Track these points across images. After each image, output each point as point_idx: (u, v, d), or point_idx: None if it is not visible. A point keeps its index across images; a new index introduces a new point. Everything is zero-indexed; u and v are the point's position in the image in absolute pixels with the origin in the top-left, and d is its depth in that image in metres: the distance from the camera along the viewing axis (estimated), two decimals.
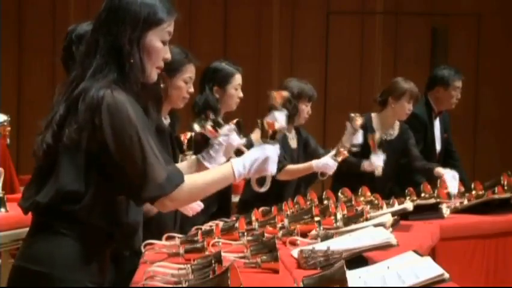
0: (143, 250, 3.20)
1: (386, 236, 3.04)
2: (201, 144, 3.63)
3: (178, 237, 3.34)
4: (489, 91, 8.83)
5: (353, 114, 5.33)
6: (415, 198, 5.15)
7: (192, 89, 4.04)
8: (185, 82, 3.96)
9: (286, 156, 5.28)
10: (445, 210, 5.04)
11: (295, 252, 3.14)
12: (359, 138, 5.34)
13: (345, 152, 5.22)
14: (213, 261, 2.59)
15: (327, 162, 5.17)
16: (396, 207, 4.56)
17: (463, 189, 5.63)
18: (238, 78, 4.68)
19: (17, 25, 8.74)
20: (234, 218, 3.87)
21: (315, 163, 5.20)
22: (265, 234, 3.37)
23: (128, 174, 2.39)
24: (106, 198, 2.44)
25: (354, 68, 8.79)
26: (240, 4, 8.81)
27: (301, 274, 2.60)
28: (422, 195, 5.27)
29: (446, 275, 2.39)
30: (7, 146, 5.53)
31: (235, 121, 2.96)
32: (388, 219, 3.64)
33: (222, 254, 2.64)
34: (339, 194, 4.87)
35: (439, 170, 5.67)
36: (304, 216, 3.74)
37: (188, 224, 3.96)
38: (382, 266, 2.58)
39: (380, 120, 5.90)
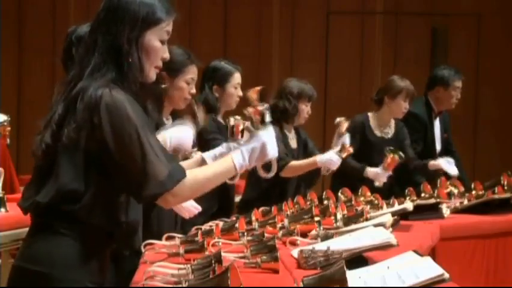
0: (143, 250, 3.20)
1: (386, 236, 3.04)
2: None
3: (178, 237, 3.34)
4: (489, 91, 8.83)
5: (338, 119, 5.30)
6: (415, 198, 5.15)
7: (193, 90, 4.05)
8: (187, 83, 3.97)
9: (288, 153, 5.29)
10: (445, 210, 5.05)
11: (295, 252, 3.14)
12: (346, 141, 5.33)
13: (350, 149, 5.22)
14: (213, 261, 2.59)
15: (331, 158, 5.16)
16: (396, 207, 4.56)
17: (462, 189, 5.63)
18: (237, 77, 4.69)
19: (17, 25, 8.74)
20: (234, 218, 3.87)
21: (319, 158, 5.19)
22: (265, 234, 3.36)
23: (128, 172, 2.39)
24: (106, 198, 2.43)
25: (354, 68, 8.80)
26: (240, 4, 8.82)
27: (301, 274, 2.60)
28: (422, 195, 5.27)
29: (446, 275, 2.39)
30: (7, 146, 5.53)
31: (259, 88, 2.94)
32: (388, 219, 3.65)
33: (222, 254, 2.64)
34: (339, 194, 4.87)
35: (432, 162, 5.70)
36: (304, 216, 3.74)
37: (188, 224, 3.97)
38: (382, 266, 2.58)
39: (377, 119, 5.90)
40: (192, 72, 3.99)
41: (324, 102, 8.43)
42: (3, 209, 4.55)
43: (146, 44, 2.48)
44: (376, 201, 4.70)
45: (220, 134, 4.51)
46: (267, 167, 2.87)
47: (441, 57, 8.68)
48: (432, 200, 5.07)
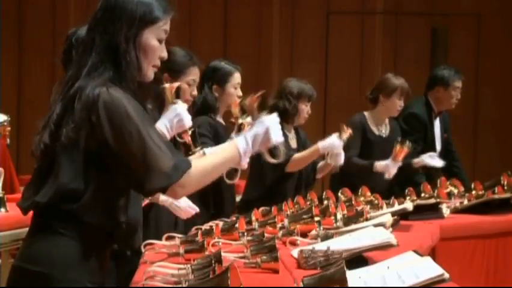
0: (143, 250, 3.20)
1: (386, 236, 3.04)
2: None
3: (178, 237, 3.34)
4: (489, 91, 8.83)
5: (346, 127, 5.31)
6: (415, 198, 5.15)
7: (195, 92, 4.06)
8: (188, 84, 3.98)
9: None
10: (445, 210, 5.05)
11: (295, 252, 3.14)
12: (340, 160, 5.31)
13: (350, 130, 5.22)
14: (213, 261, 2.59)
15: (333, 142, 5.15)
16: (396, 207, 4.56)
17: (462, 189, 5.64)
18: (237, 77, 4.69)
19: (17, 25, 8.74)
20: (234, 218, 3.87)
21: (321, 144, 5.18)
22: (265, 234, 3.36)
23: (133, 168, 2.38)
24: (106, 197, 2.43)
25: (354, 68, 8.79)
26: (240, 4, 8.81)
27: (301, 274, 2.59)
28: (422, 195, 5.27)
29: (446, 275, 2.39)
30: (7, 146, 5.53)
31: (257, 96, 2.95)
32: (388, 219, 3.65)
33: (222, 254, 2.64)
34: (339, 194, 4.87)
35: (416, 160, 5.71)
36: (304, 216, 3.74)
37: (190, 224, 3.97)
38: (382, 266, 2.59)
39: (373, 118, 5.89)
40: (193, 74, 4.00)
41: (324, 102, 8.43)
42: (3, 209, 4.55)
43: (143, 43, 2.48)
44: (376, 201, 4.70)
45: (216, 134, 4.52)
46: (273, 153, 2.88)
47: (441, 57, 8.68)
48: (432, 200, 5.07)
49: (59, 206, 2.40)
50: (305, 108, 5.36)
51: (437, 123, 6.38)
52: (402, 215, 4.35)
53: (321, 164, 5.47)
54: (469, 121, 8.73)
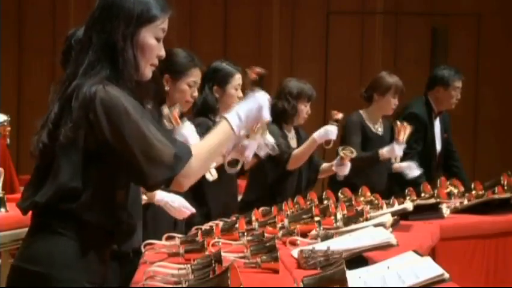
0: (143, 250, 3.20)
1: (386, 236, 3.04)
2: None
3: (178, 237, 3.34)
4: (489, 91, 8.83)
5: (344, 151, 5.31)
6: (415, 198, 5.15)
7: (195, 93, 4.06)
8: (189, 86, 3.98)
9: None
10: (445, 210, 5.05)
11: (295, 252, 3.14)
12: (345, 170, 5.33)
13: (339, 115, 5.25)
14: (213, 261, 2.59)
15: (327, 128, 5.19)
16: (396, 207, 4.56)
17: (462, 189, 5.64)
18: (238, 78, 4.68)
19: (17, 25, 8.74)
20: (234, 218, 3.87)
21: (316, 135, 5.21)
22: (265, 234, 3.36)
23: (134, 164, 2.37)
24: (105, 196, 2.43)
25: (354, 68, 8.79)
26: (240, 4, 8.82)
27: (301, 274, 2.60)
28: (422, 195, 5.27)
29: (446, 275, 2.39)
30: (7, 146, 5.53)
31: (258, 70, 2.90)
32: (388, 219, 3.65)
33: (222, 254, 2.64)
34: (339, 194, 4.87)
35: (396, 165, 5.71)
36: (304, 216, 3.74)
37: (190, 225, 3.98)
38: (382, 266, 2.58)
39: (368, 116, 5.89)
40: (194, 75, 4.00)
41: (324, 102, 8.42)
42: (3, 209, 4.55)
43: (141, 41, 2.47)
44: (376, 201, 4.70)
45: None
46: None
47: (441, 57, 8.68)
48: (432, 200, 5.07)
49: (58, 206, 2.39)
50: (304, 109, 5.36)
51: (437, 123, 6.38)
52: (402, 215, 4.35)
53: (324, 166, 5.48)
54: (469, 121, 8.73)
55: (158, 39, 2.51)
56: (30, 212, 2.49)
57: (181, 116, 3.64)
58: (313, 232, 3.57)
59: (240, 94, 4.68)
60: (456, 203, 5.34)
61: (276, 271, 2.87)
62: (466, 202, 5.38)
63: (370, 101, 5.87)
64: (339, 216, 3.83)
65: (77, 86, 2.40)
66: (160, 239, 3.33)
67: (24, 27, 8.76)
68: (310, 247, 3.06)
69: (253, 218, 3.75)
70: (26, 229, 2.53)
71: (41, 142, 2.43)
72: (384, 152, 5.59)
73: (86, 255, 2.43)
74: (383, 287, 2.41)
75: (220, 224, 3.71)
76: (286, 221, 3.66)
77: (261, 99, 2.59)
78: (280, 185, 5.24)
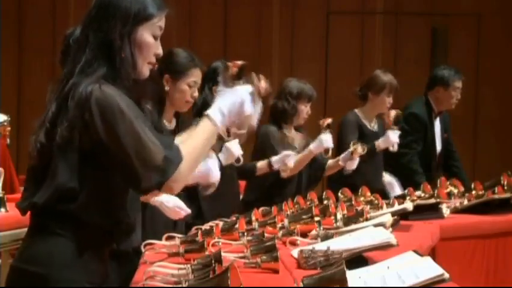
0: (143, 250, 3.20)
1: (386, 236, 3.04)
2: None
3: (178, 237, 3.34)
4: (489, 91, 8.83)
5: (355, 147, 5.34)
6: (415, 198, 5.15)
7: (196, 93, 4.06)
8: (189, 86, 3.98)
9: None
10: (445, 210, 5.05)
11: (295, 252, 3.14)
12: (353, 165, 5.36)
13: (328, 119, 5.27)
14: (213, 261, 2.59)
15: (321, 138, 5.21)
16: (396, 207, 4.56)
17: (462, 189, 5.64)
18: None
19: (17, 25, 8.74)
20: (234, 218, 3.87)
21: (312, 146, 5.23)
22: (265, 234, 3.37)
23: (128, 165, 2.36)
24: (103, 196, 2.42)
25: (354, 68, 8.79)
26: (240, 4, 8.81)
27: (301, 274, 2.60)
28: (422, 195, 5.27)
29: (446, 275, 2.39)
30: (7, 146, 5.53)
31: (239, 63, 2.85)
32: (388, 219, 3.65)
33: (222, 254, 2.64)
34: (339, 194, 4.87)
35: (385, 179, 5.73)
36: (304, 216, 3.74)
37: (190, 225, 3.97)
38: (382, 266, 2.58)
39: (364, 114, 5.88)
40: (194, 76, 4.00)
41: (324, 102, 8.43)
42: (3, 209, 4.55)
43: (138, 39, 2.47)
44: (376, 201, 4.70)
45: None
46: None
47: (441, 57, 8.68)
48: (432, 200, 5.07)
49: (56, 207, 2.39)
50: (305, 109, 5.36)
51: (437, 123, 6.38)
52: (402, 215, 4.35)
53: (330, 162, 5.48)
54: (469, 121, 8.73)
55: (155, 37, 2.51)
56: (29, 212, 2.49)
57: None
58: (313, 232, 3.57)
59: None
60: (456, 203, 5.34)
61: (276, 271, 2.87)
62: (466, 202, 5.38)
63: (365, 99, 5.86)
64: (339, 216, 3.83)
65: (74, 84, 2.40)
66: (159, 239, 3.33)
67: (24, 27, 8.75)
68: (310, 247, 3.06)
69: (253, 218, 3.75)
70: (26, 229, 2.53)
71: (38, 142, 2.42)
72: (380, 143, 5.60)
73: (85, 255, 2.43)
74: (383, 287, 2.41)
75: (220, 224, 3.71)
76: (286, 221, 3.66)
77: (243, 92, 2.55)
78: (280, 186, 5.24)
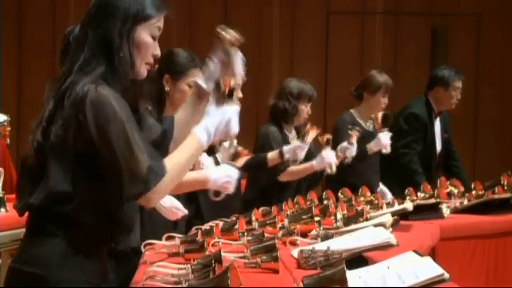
0: (143, 250, 3.20)
1: (386, 236, 3.04)
2: None
3: (178, 237, 3.34)
4: (489, 91, 8.82)
5: (351, 132, 5.34)
6: (415, 198, 5.15)
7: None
8: (190, 86, 3.97)
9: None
10: (445, 210, 5.05)
11: (295, 252, 3.14)
12: (352, 151, 5.36)
13: (326, 136, 5.27)
14: (213, 261, 2.59)
15: (323, 155, 5.21)
16: (396, 207, 4.56)
17: (462, 189, 5.64)
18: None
19: (17, 25, 8.73)
20: (234, 218, 3.87)
21: (315, 162, 5.23)
22: (265, 234, 3.37)
23: (116, 170, 2.36)
24: (97, 197, 2.40)
25: (354, 68, 8.79)
26: (240, 4, 8.81)
27: (301, 274, 2.60)
28: (422, 195, 5.27)
29: (446, 275, 2.39)
30: (7, 146, 5.53)
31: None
32: (388, 219, 3.65)
33: (222, 254, 2.64)
34: (339, 194, 4.87)
35: (380, 189, 5.70)
36: (304, 216, 3.74)
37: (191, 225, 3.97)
38: (382, 266, 2.59)
39: (359, 114, 5.88)
40: (194, 75, 3.99)
41: (324, 102, 8.42)
42: (3, 209, 4.55)
43: (137, 39, 2.47)
44: (376, 201, 4.70)
45: None
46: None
47: (441, 57, 8.67)
48: (432, 200, 5.08)
49: (52, 208, 2.38)
50: (305, 109, 5.37)
51: (437, 123, 6.38)
52: (402, 215, 4.35)
53: None
54: (469, 121, 8.73)
55: (154, 38, 2.51)
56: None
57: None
58: (313, 232, 3.57)
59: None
60: (456, 203, 5.34)
61: (276, 271, 2.87)
62: (466, 202, 5.38)
63: (360, 99, 5.86)
64: (339, 216, 3.83)
65: (72, 83, 2.40)
66: (159, 239, 3.32)
67: (24, 27, 8.75)
68: (310, 247, 3.06)
69: (253, 218, 3.75)
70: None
71: (35, 141, 2.42)
72: (372, 145, 5.59)
73: (83, 255, 2.42)
74: (383, 287, 2.41)
75: (220, 224, 3.71)
76: (286, 221, 3.66)
77: (230, 112, 2.59)
78: (278, 193, 5.24)
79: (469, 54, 8.77)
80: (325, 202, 4.49)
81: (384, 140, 5.56)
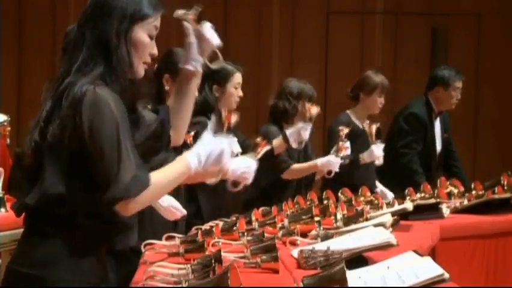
0: (143, 250, 3.20)
1: (386, 236, 3.04)
2: None
3: (178, 237, 3.34)
4: (489, 91, 8.82)
5: (340, 127, 5.34)
6: (415, 198, 5.15)
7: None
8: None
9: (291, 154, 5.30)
10: (445, 210, 5.05)
11: (295, 252, 3.15)
12: (348, 151, 5.35)
13: (347, 148, 5.25)
14: (213, 261, 2.59)
15: (330, 159, 5.21)
16: (396, 207, 4.56)
17: (462, 189, 5.64)
18: (237, 77, 4.68)
19: (17, 25, 8.73)
20: (234, 218, 3.87)
21: (319, 161, 5.24)
22: (265, 234, 3.37)
23: (101, 172, 2.35)
24: (91, 198, 2.38)
25: (354, 68, 8.78)
26: (240, 4, 8.81)
27: (301, 274, 2.60)
28: (422, 195, 5.27)
29: (446, 275, 2.39)
30: (7, 146, 5.52)
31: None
32: (388, 219, 3.65)
33: (222, 254, 2.64)
34: (339, 194, 4.87)
35: (379, 189, 5.69)
36: (304, 216, 3.74)
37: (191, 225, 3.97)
38: (382, 266, 2.59)
39: (356, 114, 5.87)
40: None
41: (324, 102, 8.41)
42: (3, 209, 4.55)
43: (134, 38, 2.47)
44: (376, 201, 4.70)
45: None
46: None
47: (441, 57, 8.67)
48: (432, 200, 5.07)
49: (47, 209, 2.38)
50: None
51: (437, 123, 6.38)
52: (402, 215, 4.35)
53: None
54: (469, 121, 8.73)
55: (151, 37, 2.52)
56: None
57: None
58: (313, 232, 3.57)
59: (240, 93, 4.68)
60: (456, 203, 5.34)
61: (276, 271, 2.87)
62: (466, 202, 5.38)
63: (356, 100, 5.86)
64: (339, 216, 3.83)
65: (70, 83, 2.40)
66: (159, 239, 3.32)
67: (24, 27, 8.75)
68: (310, 247, 3.07)
69: (253, 218, 3.75)
70: None
71: (33, 141, 2.41)
72: (364, 156, 5.58)
73: (80, 255, 2.41)
74: (383, 287, 2.41)
75: (220, 224, 3.71)
76: (286, 221, 3.67)
77: (225, 145, 2.58)
78: (278, 192, 5.24)
79: (469, 54, 8.77)
80: (325, 202, 4.49)
81: (377, 151, 5.55)
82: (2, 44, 8.14)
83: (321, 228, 3.63)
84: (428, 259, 2.56)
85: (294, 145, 5.17)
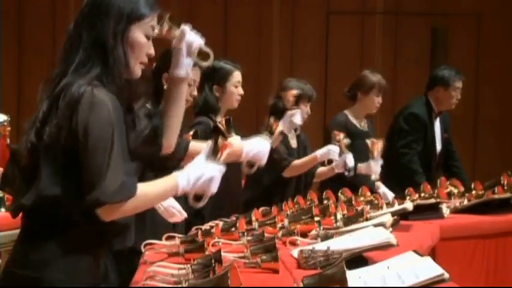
0: (143, 250, 3.20)
1: (386, 236, 3.04)
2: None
3: (178, 237, 3.34)
4: (489, 91, 8.82)
5: (336, 132, 5.34)
6: (415, 198, 5.15)
7: (195, 92, 4.06)
8: (189, 85, 3.96)
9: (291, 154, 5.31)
10: (445, 210, 5.05)
11: (295, 252, 3.15)
12: (352, 162, 5.32)
13: (341, 135, 5.26)
14: (213, 261, 2.59)
15: (329, 148, 5.21)
16: (396, 207, 4.56)
17: (462, 189, 5.64)
18: (237, 76, 4.68)
19: (17, 25, 8.73)
20: (234, 218, 3.87)
21: (318, 153, 5.24)
22: (265, 234, 3.37)
23: (89, 172, 2.33)
24: None
25: (354, 68, 8.76)
26: (240, 3, 8.81)
27: (301, 274, 2.60)
28: (422, 195, 5.27)
29: (446, 275, 2.39)
30: (7, 146, 5.52)
31: (224, 119, 2.91)
32: (388, 219, 3.65)
33: (222, 254, 2.65)
34: (339, 194, 4.87)
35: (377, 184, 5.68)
36: (304, 216, 3.74)
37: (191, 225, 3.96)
38: (382, 266, 2.59)
39: (353, 114, 5.87)
40: (193, 74, 3.99)
41: (324, 102, 8.42)
42: (3, 209, 4.55)
43: (131, 39, 2.47)
44: (376, 201, 4.70)
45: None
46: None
47: (441, 57, 8.67)
48: (432, 200, 5.07)
49: (43, 211, 2.37)
50: (305, 109, 5.36)
51: (437, 123, 6.38)
52: (402, 215, 4.35)
53: (320, 169, 5.48)
54: (469, 121, 8.73)
55: (148, 37, 2.51)
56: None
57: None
58: (313, 232, 3.57)
59: (241, 91, 4.68)
60: (456, 203, 5.34)
61: (276, 271, 2.87)
62: (466, 202, 5.38)
63: (354, 99, 5.85)
64: (339, 216, 3.83)
65: (67, 84, 2.39)
66: (159, 238, 3.32)
67: (24, 27, 8.75)
68: (310, 247, 3.07)
69: (253, 218, 3.75)
70: None
71: (29, 141, 2.40)
72: (361, 168, 5.56)
73: (77, 256, 2.41)
74: (383, 287, 2.41)
75: (220, 224, 3.71)
76: (286, 221, 3.67)
77: (216, 172, 2.57)
78: (278, 189, 5.24)
79: (469, 54, 8.77)
80: (325, 202, 4.49)
81: (375, 167, 5.53)
82: (2, 44, 8.14)
83: (321, 228, 3.63)
84: (428, 259, 2.56)
85: (287, 132, 5.13)
